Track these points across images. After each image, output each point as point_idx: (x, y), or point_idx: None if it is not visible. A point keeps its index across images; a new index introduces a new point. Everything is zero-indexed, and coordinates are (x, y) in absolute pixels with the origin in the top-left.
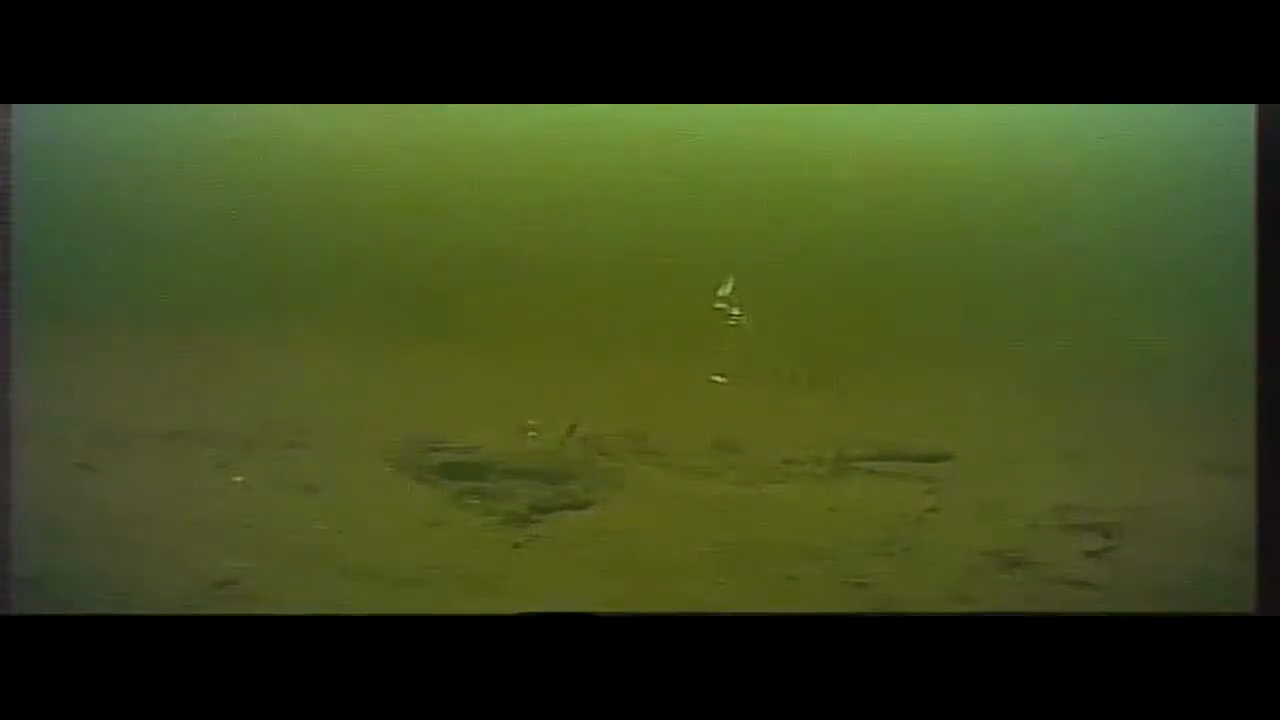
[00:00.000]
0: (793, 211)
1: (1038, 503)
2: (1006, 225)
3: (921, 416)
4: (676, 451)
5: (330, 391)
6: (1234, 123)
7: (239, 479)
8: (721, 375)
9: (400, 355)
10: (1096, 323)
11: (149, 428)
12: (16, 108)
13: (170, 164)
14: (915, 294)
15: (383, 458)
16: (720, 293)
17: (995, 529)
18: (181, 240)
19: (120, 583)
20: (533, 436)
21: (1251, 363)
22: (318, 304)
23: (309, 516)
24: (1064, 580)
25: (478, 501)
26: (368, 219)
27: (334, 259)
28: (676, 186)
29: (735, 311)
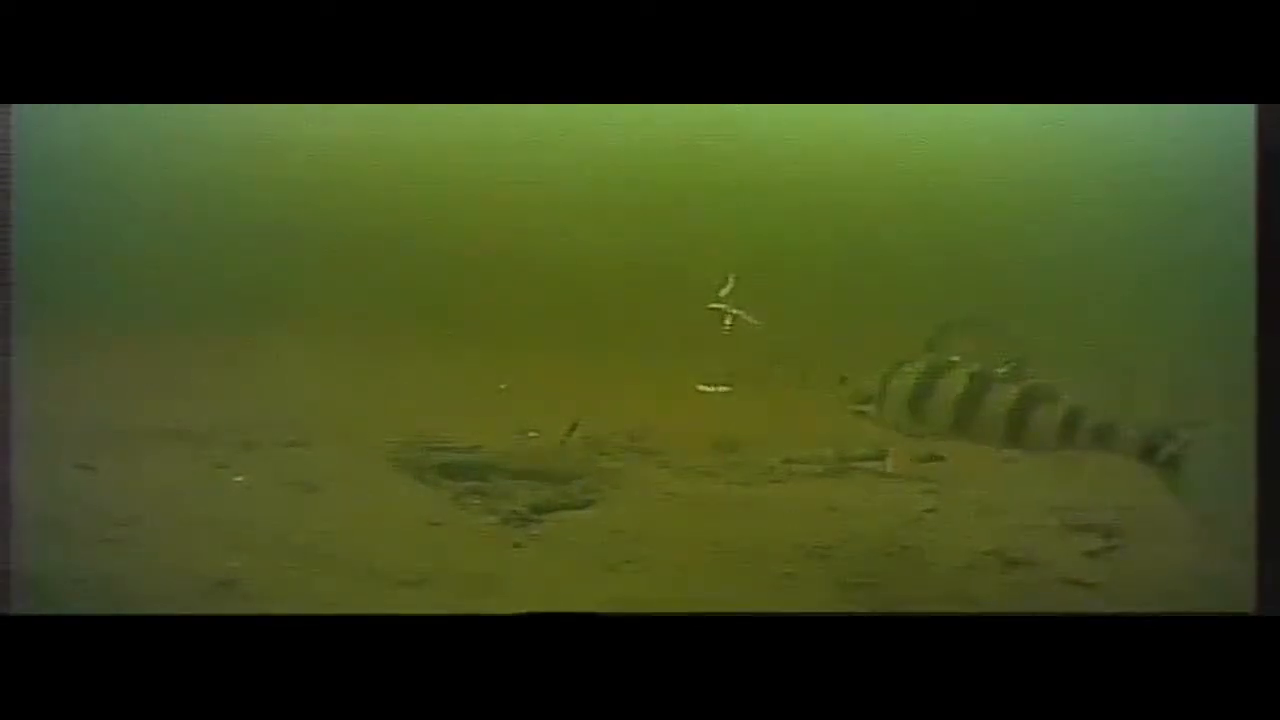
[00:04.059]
0: (794, 213)
1: (1037, 503)
2: (1003, 225)
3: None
4: (676, 451)
5: (331, 391)
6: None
7: (240, 479)
8: (709, 384)
9: (402, 355)
10: (1094, 322)
11: (149, 427)
12: (16, 108)
13: (171, 164)
14: (917, 294)
15: (384, 458)
16: (721, 293)
17: (994, 529)
18: (182, 241)
19: (120, 583)
20: (533, 436)
21: (1251, 361)
22: (319, 304)
23: (310, 517)
24: (1064, 581)
25: (478, 501)
26: (369, 219)
27: (335, 259)
28: (678, 188)
29: (728, 322)
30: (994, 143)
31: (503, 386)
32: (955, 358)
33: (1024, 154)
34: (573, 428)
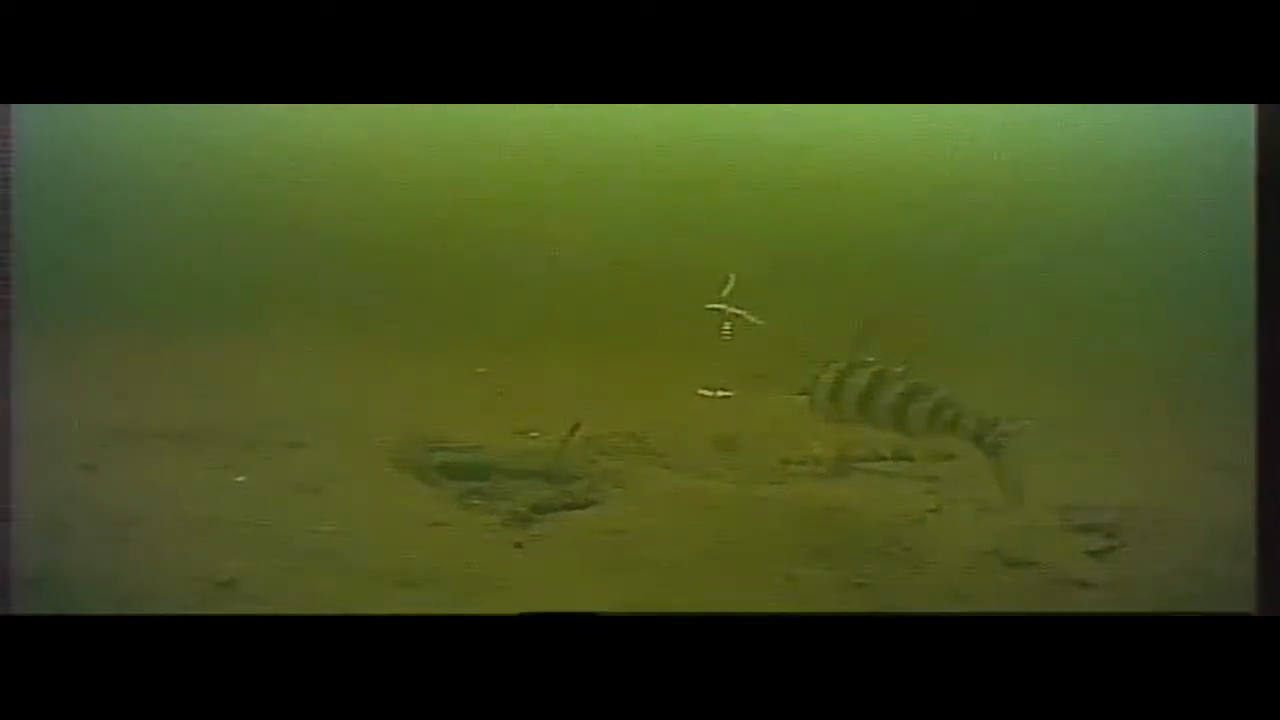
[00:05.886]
0: (793, 213)
1: (1040, 503)
2: (1006, 225)
3: None
4: (677, 451)
5: (332, 391)
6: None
7: (240, 479)
8: (709, 389)
9: (402, 355)
10: (1095, 323)
11: (150, 427)
12: (16, 108)
13: (172, 165)
14: (918, 293)
15: (385, 458)
16: (722, 293)
17: (996, 529)
18: (183, 241)
19: (120, 583)
20: (534, 436)
21: (1252, 362)
22: (319, 304)
23: (310, 516)
24: (1066, 581)
25: (480, 501)
26: (370, 219)
27: (336, 259)
28: (679, 188)
29: (727, 326)
30: (994, 143)
31: (481, 370)
32: (871, 357)
33: (1023, 155)
34: (574, 429)
